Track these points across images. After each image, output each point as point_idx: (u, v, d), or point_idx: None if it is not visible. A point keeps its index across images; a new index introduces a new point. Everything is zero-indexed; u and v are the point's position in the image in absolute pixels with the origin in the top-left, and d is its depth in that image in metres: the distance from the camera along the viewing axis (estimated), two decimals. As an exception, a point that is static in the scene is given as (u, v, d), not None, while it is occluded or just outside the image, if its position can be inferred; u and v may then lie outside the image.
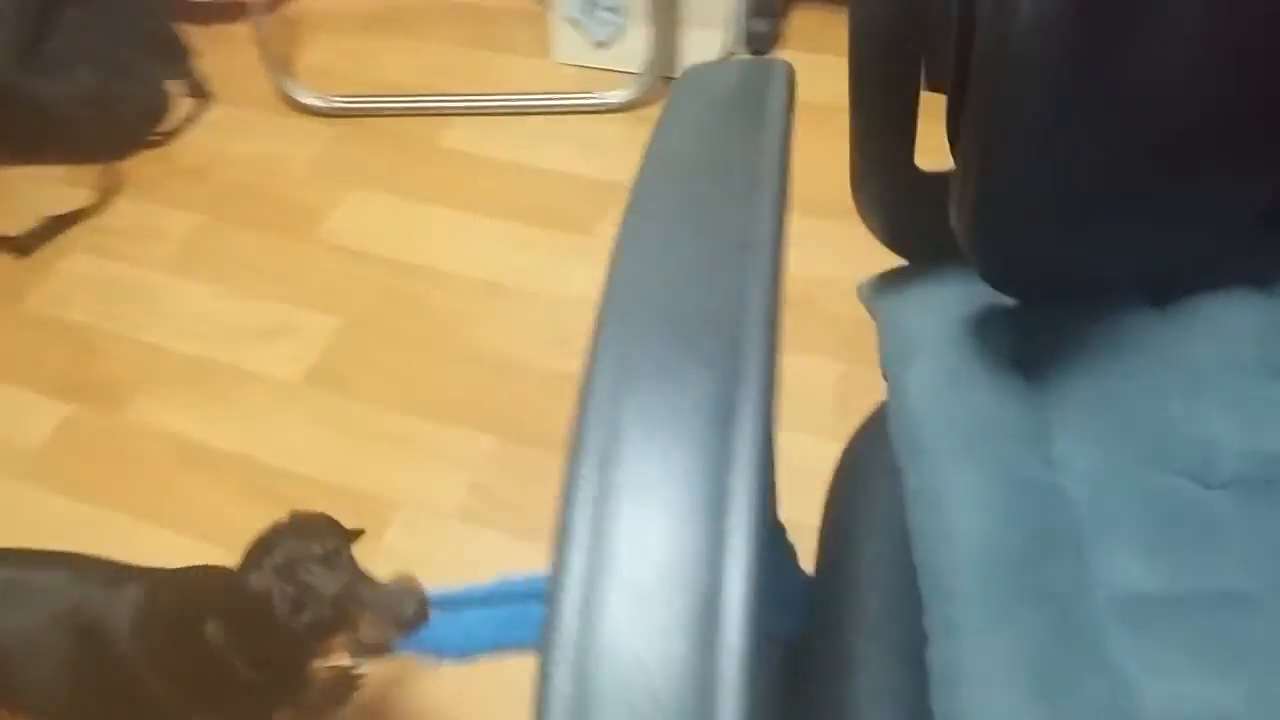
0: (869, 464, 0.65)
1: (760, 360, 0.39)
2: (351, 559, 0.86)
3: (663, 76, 1.73)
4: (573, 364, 1.30)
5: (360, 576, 0.85)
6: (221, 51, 1.96)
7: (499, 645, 1.06)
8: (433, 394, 1.41)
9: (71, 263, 1.65)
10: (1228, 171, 0.61)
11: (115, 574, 0.95)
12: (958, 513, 0.55)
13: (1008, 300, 0.64)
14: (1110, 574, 0.53)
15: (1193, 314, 0.64)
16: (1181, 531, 0.55)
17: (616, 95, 1.74)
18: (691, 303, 0.42)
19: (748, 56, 1.71)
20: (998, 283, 0.62)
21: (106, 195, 1.73)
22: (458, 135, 1.77)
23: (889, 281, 0.69)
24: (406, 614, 0.83)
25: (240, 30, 1.96)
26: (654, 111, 1.64)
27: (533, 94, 1.78)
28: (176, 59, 1.90)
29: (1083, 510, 0.56)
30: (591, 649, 0.32)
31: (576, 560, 0.34)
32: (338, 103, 1.82)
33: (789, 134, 0.51)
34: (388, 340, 1.49)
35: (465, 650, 1.07)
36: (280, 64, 1.84)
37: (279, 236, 1.66)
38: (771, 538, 0.70)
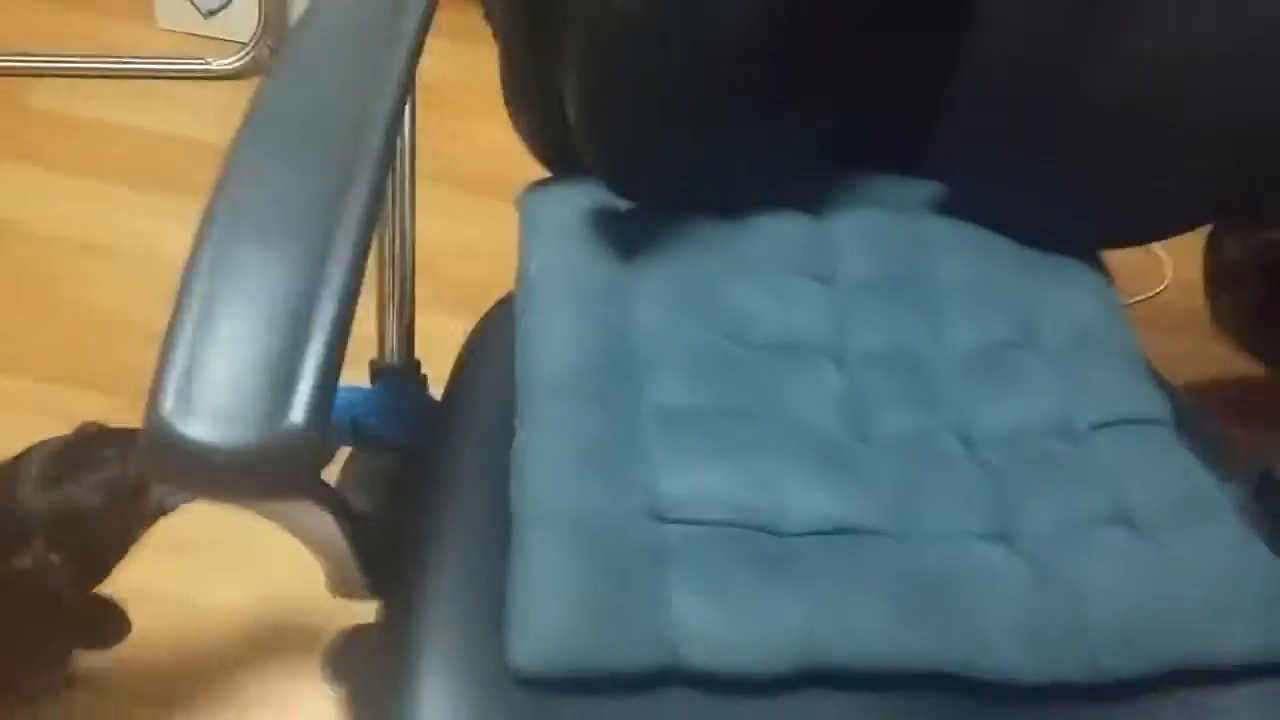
0: (491, 332, 0.82)
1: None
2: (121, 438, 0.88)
3: (272, 46, 1.78)
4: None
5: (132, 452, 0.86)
6: None
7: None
8: (38, 355, 1.39)
9: None
10: (784, 114, 0.81)
11: None
12: (549, 344, 0.73)
13: (619, 202, 0.81)
14: (656, 393, 0.73)
15: (754, 225, 0.84)
16: (716, 371, 0.75)
17: (223, 62, 1.77)
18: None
19: None
20: (608, 185, 0.80)
21: None
22: (50, 96, 1.71)
23: (535, 188, 0.85)
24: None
25: None
26: (261, 70, 1.70)
27: (134, 57, 1.76)
28: None
29: (645, 352, 0.75)
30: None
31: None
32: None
33: (417, 47, 0.63)
34: (-20, 300, 1.45)
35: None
36: None
37: None
38: (406, 370, 0.86)
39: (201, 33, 1.82)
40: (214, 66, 1.77)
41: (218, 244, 0.50)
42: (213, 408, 0.46)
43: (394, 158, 0.80)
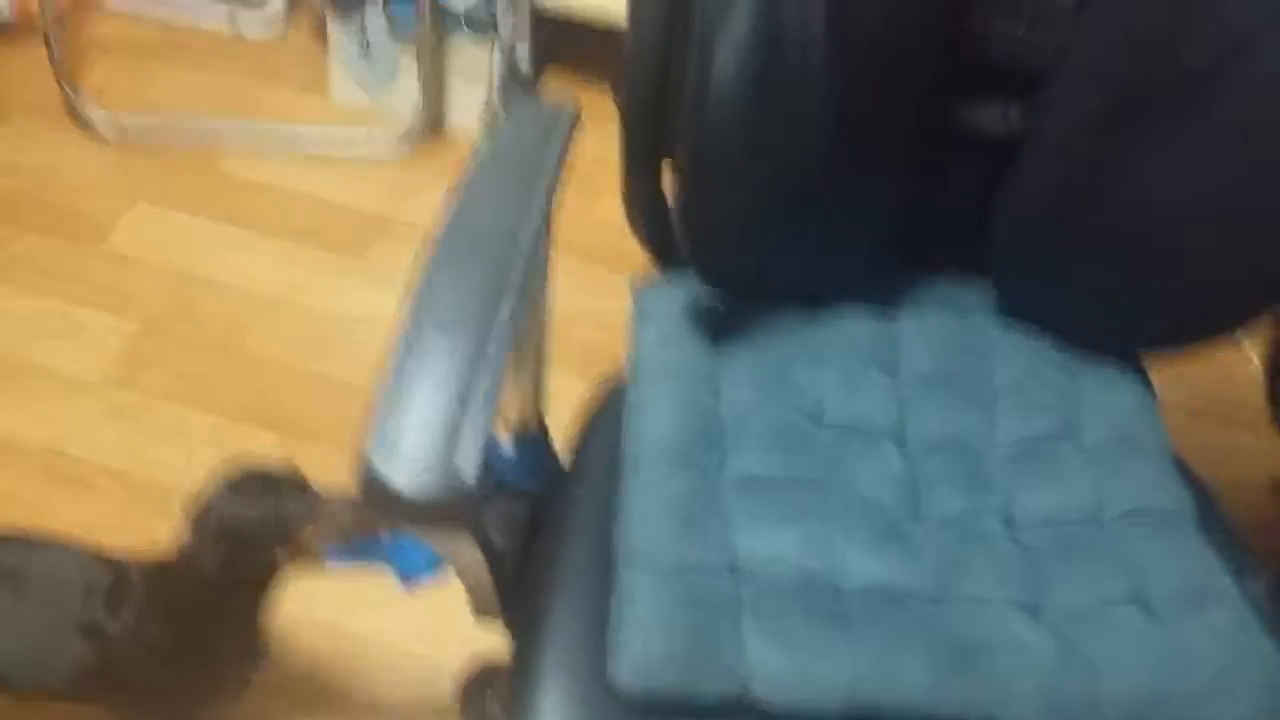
0: (606, 402, 0.97)
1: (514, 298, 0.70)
2: (294, 483, 1.01)
3: (430, 121, 1.99)
4: (342, 371, 1.56)
5: (298, 497, 0.99)
6: (7, 69, 2.05)
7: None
8: (218, 394, 1.60)
9: None
10: (852, 221, 0.95)
11: (92, 559, 1.06)
12: (651, 416, 0.89)
13: (713, 295, 0.97)
14: (738, 463, 0.87)
15: (828, 319, 0.98)
16: (791, 446, 0.89)
17: (387, 136, 1.99)
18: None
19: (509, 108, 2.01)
20: (704, 277, 0.95)
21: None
22: (237, 160, 1.96)
23: (644, 282, 1.01)
24: (346, 522, 0.98)
25: (25, 50, 2.07)
26: (420, 151, 1.91)
27: (309, 127, 2.00)
28: (-42, 71, 1.99)
29: (730, 426, 0.89)
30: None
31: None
32: (124, 121, 1.97)
33: (559, 170, 0.81)
34: (174, 344, 1.67)
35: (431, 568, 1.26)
36: (68, 81, 1.97)
37: (65, 245, 1.79)
38: (537, 431, 1.03)
39: (369, 111, 2.04)
40: (379, 139, 1.99)
41: (411, 331, 0.68)
42: (404, 456, 0.62)
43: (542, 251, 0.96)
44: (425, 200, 1.92)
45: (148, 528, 1.17)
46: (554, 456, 1.01)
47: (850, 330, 0.98)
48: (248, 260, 1.80)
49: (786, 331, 0.97)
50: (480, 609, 0.82)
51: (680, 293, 0.98)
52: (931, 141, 0.92)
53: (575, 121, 0.86)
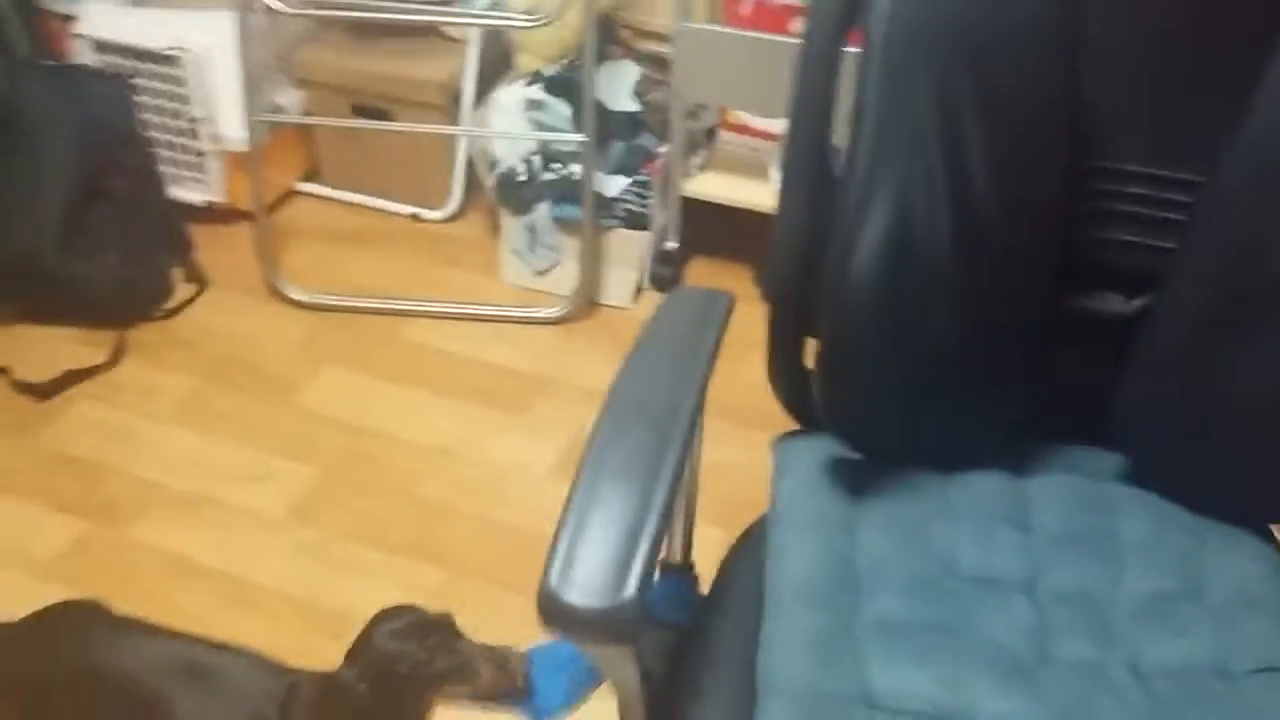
0: (748, 545, 1.05)
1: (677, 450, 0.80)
2: (455, 627, 1.11)
3: (587, 300, 2.18)
4: (505, 515, 1.69)
5: (469, 641, 1.10)
6: (218, 247, 2.34)
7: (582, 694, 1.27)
8: (389, 533, 1.75)
9: (82, 408, 1.97)
10: (982, 396, 1.03)
11: (273, 667, 1.20)
12: (791, 559, 0.96)
13: (850, 454, 1.05)
14: (875, 607, 0.93)
15: (962, 479, 1.04)
16: (925, 592, 0.95)
17: (549, 311, 2.18)
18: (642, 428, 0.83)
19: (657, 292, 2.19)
20: (843, 441, 1.04)
21: (116, 356, 2.07)
22: (418, 331, 2.17)
23: (785, 439, 1.10)
24: (517, 668, 1.09)
25: (233, 231, 2.36)
26: (578, 326, 2.08)
27: (481, 304, 2.20)
28: (182, 250, 2.28)
29: (865, 573, 0.96)
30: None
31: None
32: (318, 298, 2.21)
33: (715, 350, 0.93)
34: (353, 489, 1.83)
35: (565, 703, 1.29)
36: (270, 261, 2.23)
37: (261, 400, 2.00)
38: (684, 571, 1.11)
39: (534, 287, 2.25)
40: (542, 314, 2.18)
41: (586, 481, 0.78)
42: (579, 584, 0.72)
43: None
44: (580, 366, 2.09)
45: (320, 650, 1.27)
46: (698, 590, 1.10)
47: (982, 488, 1.04)
48: (422, 416, 1.98)
49: (920, 488, 1.03)
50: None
51: (819, 447, 1.06)
52: (1054, 326, 1.00)
53: (731, 307, 0.98)
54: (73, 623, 1.30)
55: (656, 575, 1.08)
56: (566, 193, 2.12)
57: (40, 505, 1.78)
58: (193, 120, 2.25)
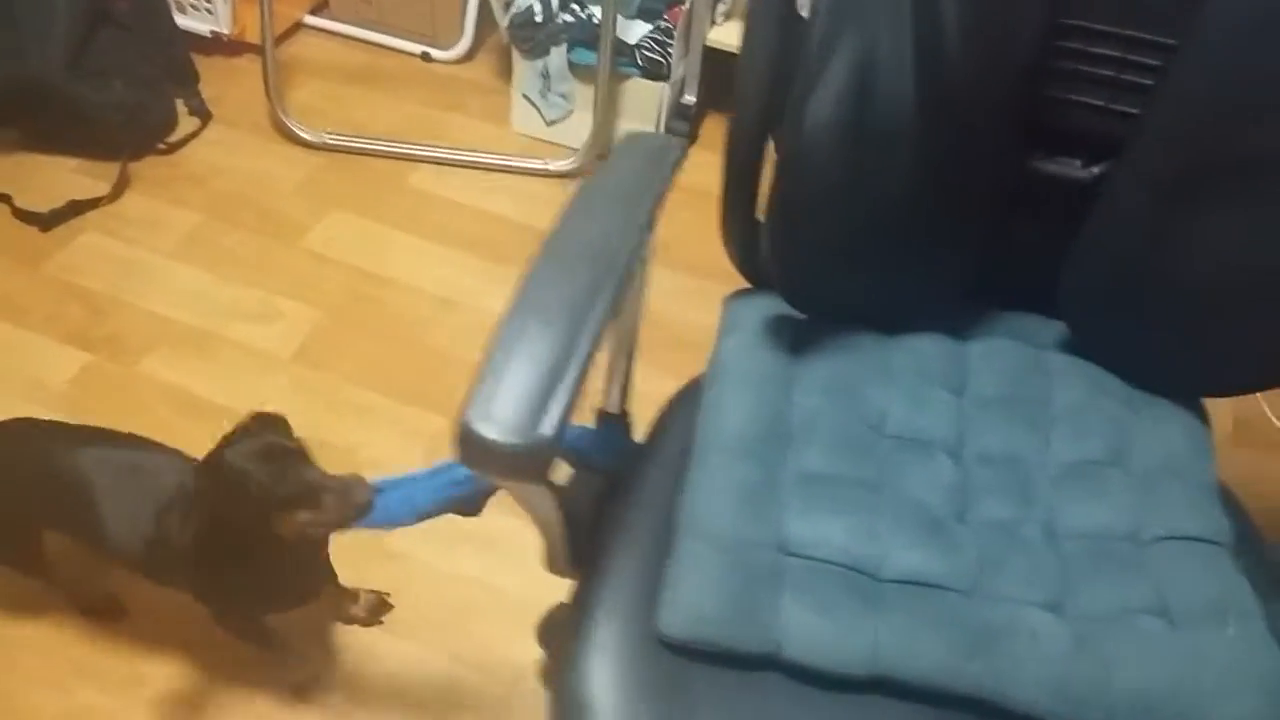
0: (686, 396, 1.07)
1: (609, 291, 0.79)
2: (308, 456, 1.11)
3: (599, 154, 2.15)
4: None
5: (319, 470, 1.10)
6: (223, 81, 2.31)
7: (439, 505, 1.26)
8: (393, 379, 1.78)
9: (87, 240, 1.98)
10: (930, 259, 1.02)
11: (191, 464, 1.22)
12: (724, 413, 0.98)
13: (795, 313, 1.05)
14: (800, 460, 0.95)
15: (901, 341, 1.05)
16: (851, 449, 0.96)
17: (559, 164, 2.15)
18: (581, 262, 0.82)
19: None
20: (789, 300, 1.04)
21: (119, 189, 2.07)
22: (424, 178, 2.15)
23: (736, 294, 1.10)
24: (360, 500, 1.07)
25: (239, 64, 2.32)
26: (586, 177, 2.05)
27: (490, 153, 2.18)
28: (188, 82, 2.24)
29: (796, 428, 0.97)
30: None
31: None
32: (325, 138, 2.18)
33: (663, 196, 0.90)
34: (356, 332, 1.85)
35: (412, 516, 1.28)
36: (276, 97, 2.19)
37: (267, 240, 2.01)
38: (620, 417, 1.12)
39: (544, 138, 2.21)
40: (550, 167, 2.15)
41: (514, 319, 0.78)
42: (497, 419, 0.71)
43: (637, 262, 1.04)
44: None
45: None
46: (633, 441, 1.11)
47: (922, 351, 1.05)
48: (426, 265, 1.99)
49: (861, 348, 1.04)
50: (553, 565, 0.93)
51: (765, 306, 1.07)
52: (1011, 189, 0.99)
53: (684, 155, 0.95)
54: (15, 433, 1.35)
55: (594, 422, 1.11)
56: (584, 36, 2.07)
57: (47, 335, 1.80)
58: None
